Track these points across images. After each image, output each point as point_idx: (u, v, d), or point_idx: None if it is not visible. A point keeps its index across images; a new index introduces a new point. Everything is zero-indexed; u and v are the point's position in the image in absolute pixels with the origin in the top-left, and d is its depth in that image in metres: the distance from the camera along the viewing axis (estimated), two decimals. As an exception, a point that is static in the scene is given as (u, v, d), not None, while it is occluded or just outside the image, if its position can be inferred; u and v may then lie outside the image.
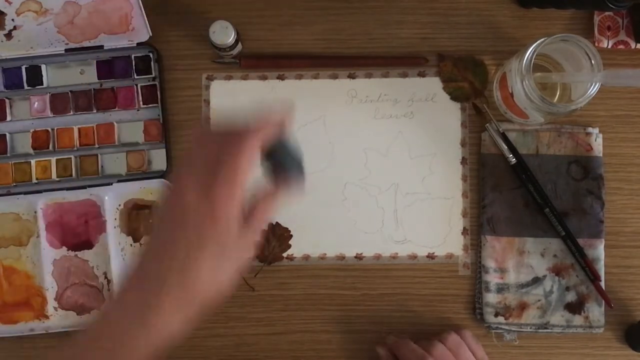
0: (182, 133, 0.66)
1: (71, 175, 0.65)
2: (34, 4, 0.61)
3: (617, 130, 0.66)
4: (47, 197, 0.64)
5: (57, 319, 0.64)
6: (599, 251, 0.64)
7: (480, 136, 0.65)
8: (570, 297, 0.63)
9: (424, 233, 0.65)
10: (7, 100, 0.66)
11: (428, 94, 0.66)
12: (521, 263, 0.64)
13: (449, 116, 0.66)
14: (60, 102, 0.66)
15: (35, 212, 0.64)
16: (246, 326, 0.65)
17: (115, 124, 0.65)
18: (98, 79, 0.66)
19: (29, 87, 0.65)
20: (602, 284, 0.63)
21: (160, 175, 0.65)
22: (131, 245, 0.65)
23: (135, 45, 0.65)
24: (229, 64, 0.66)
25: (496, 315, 0.63)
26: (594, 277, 0.63)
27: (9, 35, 0.63)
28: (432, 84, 0.66)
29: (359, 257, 0.65)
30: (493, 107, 0.65)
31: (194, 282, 0.39)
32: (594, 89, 0.56)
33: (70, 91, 0.66)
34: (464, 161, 0.66)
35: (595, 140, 0.65)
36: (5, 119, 0.66)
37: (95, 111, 0.66)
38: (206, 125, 0.53)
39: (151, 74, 0.65)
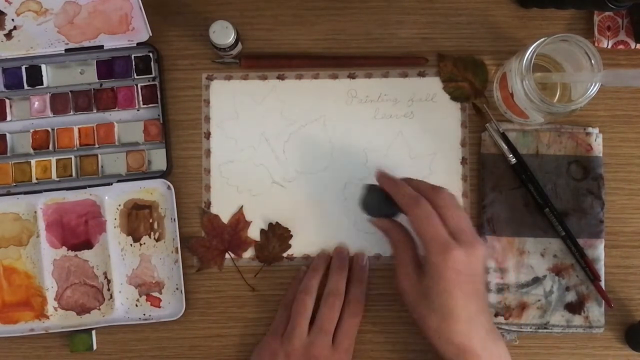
0: (182, 133, 0.66)
1: (71, 175, 0.65)
2: (34, 4, 0.61)
3: (617, 130, 0.66)
4: (47, 197, 0.64)
5: (57, 318, 0.64)
6: (599, 251, 0.64)
7: (480, 136, 0.65)
8: (570, 297, 0.63)
9: (424, 233, 0.65)
10: (7, 100, 0.66)
11: (428, 94, 0.66)
12: (521, 263, 0.64)
13: (449, 116, 0.66)
14: (60, 102, 0.66)
15: (35, 212, 0.64)
16: (246, 326, 0.65)
17: (115, 124, 0.65)
18: (98, 79, 0.66)
19: (29, 87, 0.65)
20: (602, 284, 0.63)
21: (160, 175, 0.65)
22: (131, 245, 0.65)
23: (135, 45, 0.65)
24: (229, 64, 0.66)
25: (496, 315, 0.63)
26: (594, 277, 0.63)
27: (9, 35, 0.63)
28: (432, 84, 0.66)
29: (359, 257, 0.65)
30: (493, 107, 0.65)
31: None
32: (594, 89, 0.56)
33: (70, 91, 0.66)
34: (464, 161, 0.66)
35: (595, 140, 0.65)
36: (5, 119, 0.66)
37: (95, 111, 0.66)
38: None
39: (151, 73, 0.66)
